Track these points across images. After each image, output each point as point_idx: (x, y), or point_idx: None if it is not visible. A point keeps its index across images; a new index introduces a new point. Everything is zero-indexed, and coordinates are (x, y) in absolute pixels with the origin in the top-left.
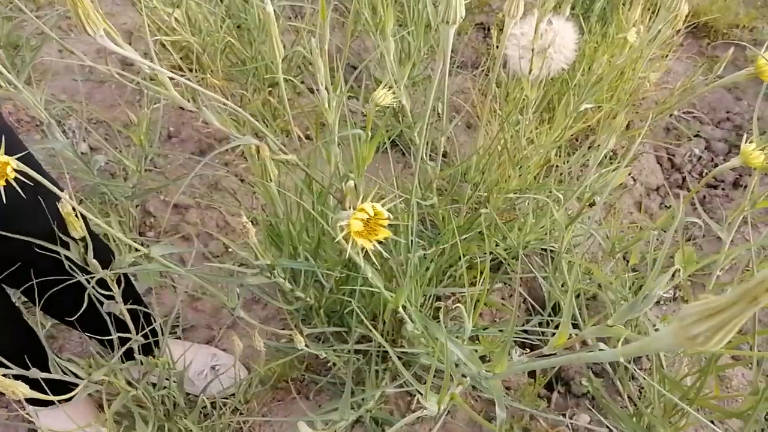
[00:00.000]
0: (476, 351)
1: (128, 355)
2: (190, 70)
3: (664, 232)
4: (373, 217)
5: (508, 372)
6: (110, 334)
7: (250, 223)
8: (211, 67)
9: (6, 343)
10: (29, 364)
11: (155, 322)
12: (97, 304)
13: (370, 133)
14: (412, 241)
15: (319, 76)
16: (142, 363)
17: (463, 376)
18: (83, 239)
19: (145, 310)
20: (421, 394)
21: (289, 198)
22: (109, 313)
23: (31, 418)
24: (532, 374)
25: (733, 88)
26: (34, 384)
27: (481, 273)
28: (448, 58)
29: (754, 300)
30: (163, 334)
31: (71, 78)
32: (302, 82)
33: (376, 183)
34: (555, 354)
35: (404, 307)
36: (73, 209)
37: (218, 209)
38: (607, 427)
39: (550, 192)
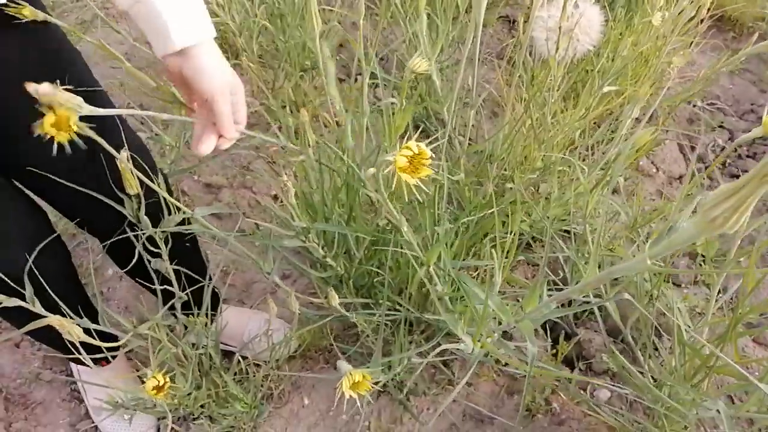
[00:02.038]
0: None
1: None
2: (225, 56)
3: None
4: (417, 156)
5: (539, 313)
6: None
7: (289, 182)
8: (245, 49)
9: (62, 296)
10: (82, 315)
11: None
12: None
13: (404, 102)
14: (443, 207)
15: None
16: (179, 320)
17: (499, 323)
18: (137, 196)
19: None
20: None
21: (323, 168)
22: (157, 271)
23: (77, 379)
24: (553, 347)
25: (758, 81)
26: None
27: (504, 249)
28: (480, 29)
29: (765, 178)
30: (217, 300)
31: (110, 66)
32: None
33: None
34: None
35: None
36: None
37: (250, 189)
38: (628, 401)
39: (574, 167)
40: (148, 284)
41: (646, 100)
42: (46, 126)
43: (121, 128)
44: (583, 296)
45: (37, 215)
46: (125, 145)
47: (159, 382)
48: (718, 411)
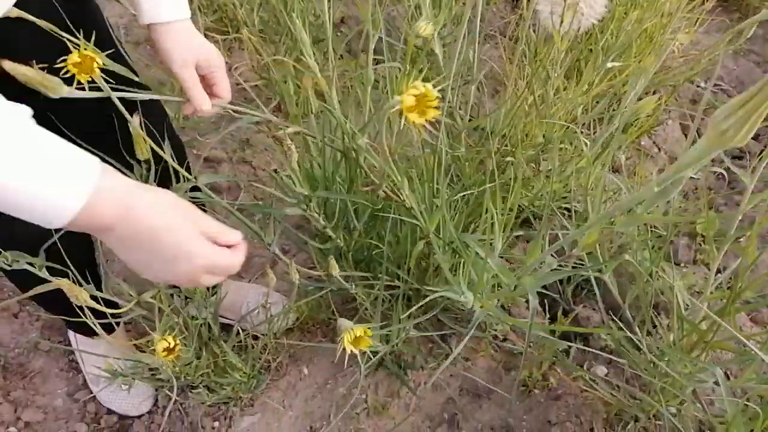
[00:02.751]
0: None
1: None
2: (226, 33)
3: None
4: (424, 97)
5: (539, 276)
6: None
7: (293, 146)
8: (246, 22)
9: (75, 261)
10: (88, 280)
11: None
12: None
13: (408, 67)
14: (441, 178)
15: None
16: (180, 290)
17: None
18: (147, 162)
19: None
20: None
21: (324, 139)
22: None
23: (74, 348)
24: (551, 323)
25: (762, 62)
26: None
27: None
28: (479, 7)
29: None
30: None
31: None
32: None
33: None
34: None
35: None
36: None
37: (249, 163)
38: (624, 377)
39: (576, 143)
40: None
41: (650, 78)
42: (70, 65)
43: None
44: (581, 272)
45: None
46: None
47: (170, 344)
48: (715, 383)
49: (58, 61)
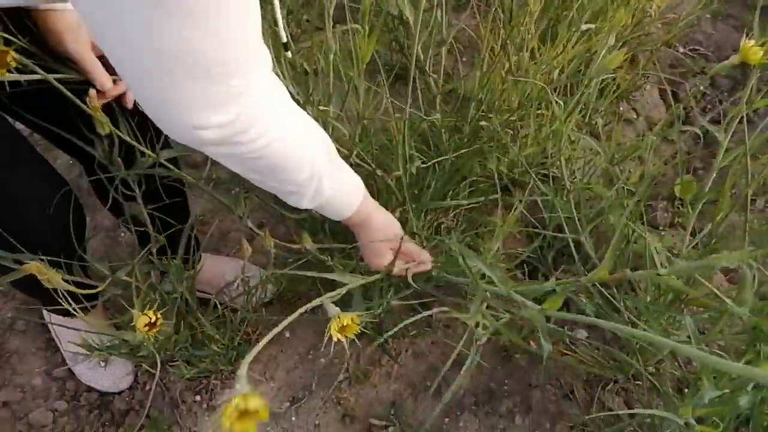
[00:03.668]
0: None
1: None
2: None
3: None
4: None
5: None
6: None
7: None
8: None
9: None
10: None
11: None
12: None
13: (368, 28)
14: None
15: None
16: (156, 265)
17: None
18: (109, 136)
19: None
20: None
21: None
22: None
23: (49, 322)
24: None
25: (741, 27)
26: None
27: (483, 195)
28: None
29: None
30: (198, 248)
31: None
32: (307, 20)
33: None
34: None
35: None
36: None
37: None
38: (604, 339)
39: (551, 107)
40: (137, 225)
41: (627, 42)
42: None
43: None
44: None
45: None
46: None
47: (151, 318)
48: (688, 338)
49: None
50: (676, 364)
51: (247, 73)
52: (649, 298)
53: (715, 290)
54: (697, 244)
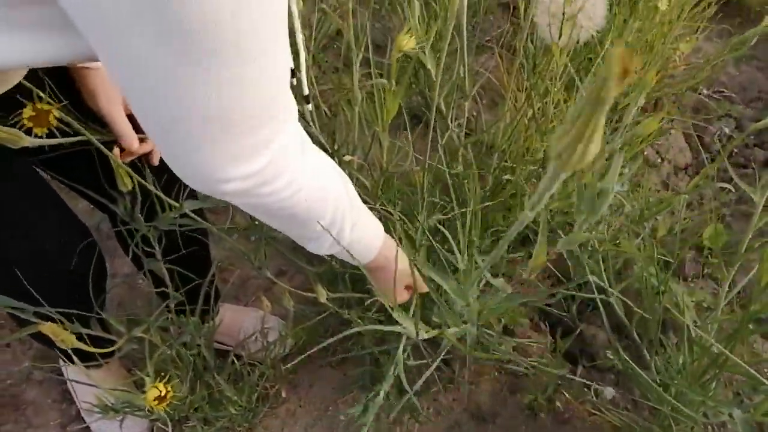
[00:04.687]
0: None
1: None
2: None
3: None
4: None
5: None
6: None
7: None
8: None
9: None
10: (74, 320)
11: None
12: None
13: (394, 83)
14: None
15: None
16: (174, 321)
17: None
18: (131, 192)
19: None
20: None
21: None
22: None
23: (66, 379)
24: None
25: (765, 68)
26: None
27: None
28: (464, 20)
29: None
30: (217, 298)
31: None
32: (326, 61)
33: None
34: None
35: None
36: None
37: None
38: (633, 400)
39: None
40: (156, 277)
41: (651, 87)
42: (26, 119)
43: None
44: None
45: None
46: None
47: (161, 392)
48: (730, 415)
49: (11, 117)
50: (711, 429)
51: (276, 123)
52: (682, 360)
53: (752, 371)
54: (730, 300)
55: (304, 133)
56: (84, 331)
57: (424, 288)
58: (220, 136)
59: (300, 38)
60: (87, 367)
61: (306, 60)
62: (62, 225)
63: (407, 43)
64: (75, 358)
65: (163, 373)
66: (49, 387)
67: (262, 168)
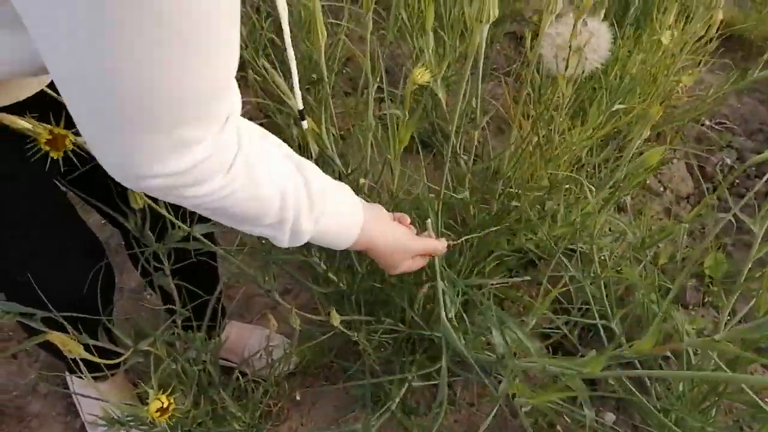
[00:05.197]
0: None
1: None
2: None
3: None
4: None
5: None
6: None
7: None
8: (251, 62)
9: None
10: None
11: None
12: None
13: (407, 114)
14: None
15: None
16: (180, 336)
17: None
18: (142, 210)
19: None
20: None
21: None
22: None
23: (72, 392)
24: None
25: (767, 101)
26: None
27: (510, 269)
28: (482, 56)
29: None
30: (224, 315)
31: None
32: (339, 84)
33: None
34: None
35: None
36: None
37: None
38: (633, 425)
39: (581, 185)
40: (164, 292)
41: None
42: (42, 143)
43: None
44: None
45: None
46: None
47: (163, 403)
48: None
49: (28, 141)
50: None
51: (209, 122)
52: (682, 387)
53: (755, 397)
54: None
55: (252, 130)
56: (91, 342)
57: (439, 250)
58: (146, 124)
59: (291, 53)
60: (95, 379)
61: (326, 82)
62: (78, 236)
63: (422, 76)
64: (83, 367)
65: (167, 387)
66: (54, 400)
67: (187, 169)
